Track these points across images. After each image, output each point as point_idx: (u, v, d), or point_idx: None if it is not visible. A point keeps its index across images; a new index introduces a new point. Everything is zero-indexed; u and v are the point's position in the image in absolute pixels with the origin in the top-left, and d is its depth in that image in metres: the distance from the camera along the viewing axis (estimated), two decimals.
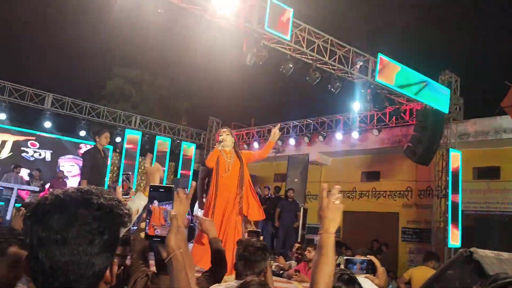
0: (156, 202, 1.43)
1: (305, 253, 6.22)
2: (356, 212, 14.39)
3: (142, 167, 15.91)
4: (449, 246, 10.86)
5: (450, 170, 11.21)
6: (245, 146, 16.53)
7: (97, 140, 6.03)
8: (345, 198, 14.80)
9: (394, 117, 12.52)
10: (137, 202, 2.23)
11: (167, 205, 1.44)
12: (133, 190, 2.72)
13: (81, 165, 6.40)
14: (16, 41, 16.78)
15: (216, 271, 2.65)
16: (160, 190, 1.46)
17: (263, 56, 8.76)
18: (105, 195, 1.06)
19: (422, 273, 5.39)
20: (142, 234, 1.46)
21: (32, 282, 1.01)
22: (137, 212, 2.07)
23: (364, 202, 14.27)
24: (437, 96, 10.91)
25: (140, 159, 15.61)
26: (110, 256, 1.04)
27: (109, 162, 15.56)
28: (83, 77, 19.18)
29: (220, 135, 5.42)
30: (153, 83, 22.19)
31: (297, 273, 5.88)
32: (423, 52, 16.23)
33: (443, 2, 17.61)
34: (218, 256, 2.67)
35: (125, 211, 1.08)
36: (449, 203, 11.08)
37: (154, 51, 18.87)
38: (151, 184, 1.52)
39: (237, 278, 2.65)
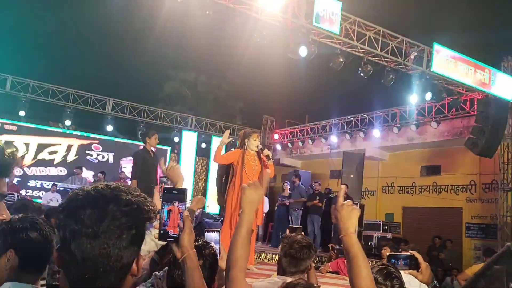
0: (176, 203, 1.47)
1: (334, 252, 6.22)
2: (416, 208, 13.94)
3: (199, 167, 16.35)
4: None
5: None
6: (300, 144, 16.49)
7: (147, 141, 6.24)
8: (405, 193, 14.38)
9: (453, 108, 11.95)
10: None
11: (181, 206, 1.47)
12: None
13: None
14: (76, 50, 17.74)
15: None
16: (174, 192, 1.50)
17: (313, 52, 8.68)
18: (132, 192, 1.10)
19: None
20: (156, 235, 1.50)
21: (63, 273, 1.06)
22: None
23: (425, 197, 13.76)
24: (500, 84, 10.31)
25: (196, 159, 16.00)
26: (137, 249, 1.09)
27: (167, 163, 16.11)
28: (141, 81, 19.91)
29: (254, 140, 5.63)
30: (207, 84, 22.63)
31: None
32: (482, 39, 15.37)
33: None
34: None
35: (151, 207, 1.12)
36: None
37: (206, 52, 19.23)
38: (165, 186, 1.55)
39: (280, 274, 2.66)
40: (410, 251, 2.15)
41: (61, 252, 1.05)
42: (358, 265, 1.56)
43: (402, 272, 2.14)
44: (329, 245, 7.73)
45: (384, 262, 2.22)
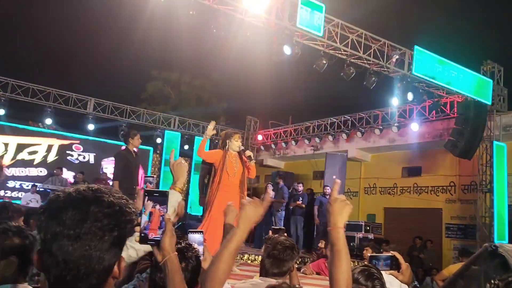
0: (158, 206, 1.46)
1: (327, 250, 6.25)
2: (397, 209, 14.12)
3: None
4: (495, 242, 10.44)
5: (495, 163, 10.77)
6: (283, 144, 16.53)
7: (130, 141, 6.18)
8: (386, 194, 14.55)
9: (434, 110, 12.14)
10: (173, 200, 2.18)
11: (163, 209, 1.46)
12: None
13: None
14: (58, 49, 17.51)
15: None
16: (155, 194, 1.48)
17: (296, 53, 8.73)
18: (114, 194, 1.10)
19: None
20: (137, 238, 1.49)
21: (44, 275, 1.05)
22: (174, 211, 2.04)
23: (406, 198, 13.96)
24: (479, 87, 10.51)
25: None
26: (118, 252, 1.09)
27: (149, 163, 16.01)
28: (123, 81, 19.73)
29: (236, 141, 5.65)
30: (190, 84, 22.53)
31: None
32: (463, 42, 15.66)
33: None
34: None
35: (133, 210, 1.12)
36: (495, 197, 10.66)
37: (190, 53, 19.17)
38: (146, 189, 1.54)
39: (262, 275, 2.66)
40: (391, 251, 2.18)
41: (41, 254, 1.05)
42: (340, 259, 1.59)
43: (383, 272, 2.17)
44: (321, 240, 7.78)
45: (366, 263, 2.25)
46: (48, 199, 1.08)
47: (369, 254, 2.25)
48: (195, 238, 2.11)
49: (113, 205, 1.07)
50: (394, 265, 2.13)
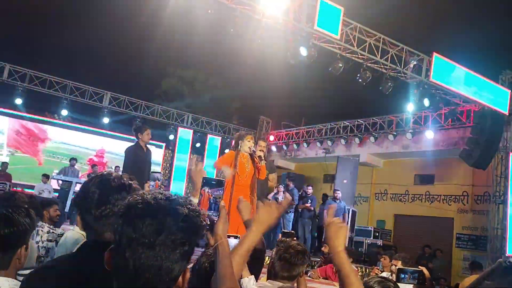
0: (207, 188, 1.54)
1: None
2: (408, 216, 14.01)
3: (192, 166, 16.35)
4: (507, 255, 10.31)
5: (510, 175, 10.61)
6: (295, 146, 16.50)
7: (140, 137, 6.22)
8: (397, 201, 14.44)
9: (450, 118, 12.00)
10: None
11: (217, 192, 1.55)
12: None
13: None
14: (76, 43, 17.68)
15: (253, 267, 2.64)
16: (212, 182, 1.58)
17: (312, 55, 8.70)
18: (189, 205, 1.13)
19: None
20: None
21: (113, 277, 1.09)
22: None
23: (417, 206, 13.82)
24: (496, 97, 10.37)
25: (191, 156, 16.01)
26: (186, 264, 1.12)
27: (161, 159, 16.11)
28: (139, 77, 19.86)
29: (248, 141, 5.71)
30: (206, 82, 22.61)
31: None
32: (481, 51, 15.45)
33: None
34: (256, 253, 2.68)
35: (204, 222, 1.16)
36: (508, 209, 10.50)
37: (207, 51, 19.20)
38: (204, 176, 1.61)
39: (271, 277, 2.65)
40: (419, 266, 2.20)
41: (113, 255, 1.09)
42: (351, 284, 1.59)
43: (410, 286, 2.20)
44: (324, 245, 7.77)
45: (382, 275, 2.24)
46: (127, 203, 1.11)
47: (398, 267, 2.25)
48: (231, 243, 2.12)
49: (188, 219, 1.10)
50: (420, 279, 2.16)
